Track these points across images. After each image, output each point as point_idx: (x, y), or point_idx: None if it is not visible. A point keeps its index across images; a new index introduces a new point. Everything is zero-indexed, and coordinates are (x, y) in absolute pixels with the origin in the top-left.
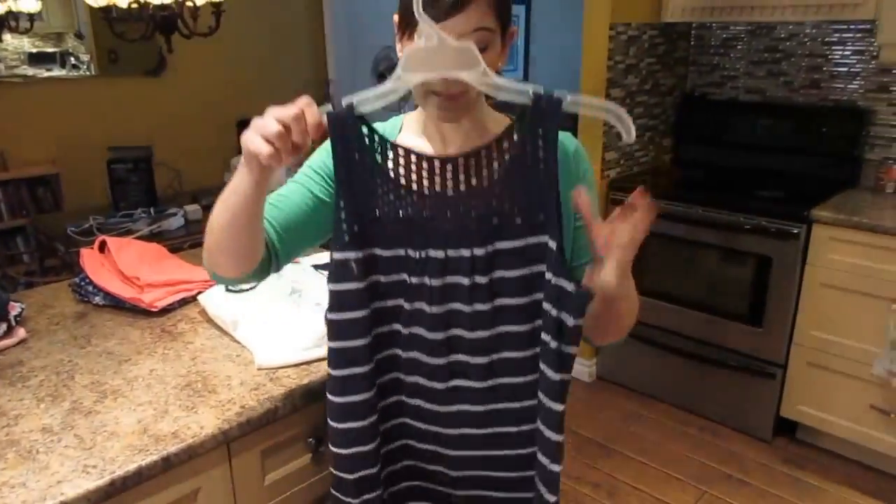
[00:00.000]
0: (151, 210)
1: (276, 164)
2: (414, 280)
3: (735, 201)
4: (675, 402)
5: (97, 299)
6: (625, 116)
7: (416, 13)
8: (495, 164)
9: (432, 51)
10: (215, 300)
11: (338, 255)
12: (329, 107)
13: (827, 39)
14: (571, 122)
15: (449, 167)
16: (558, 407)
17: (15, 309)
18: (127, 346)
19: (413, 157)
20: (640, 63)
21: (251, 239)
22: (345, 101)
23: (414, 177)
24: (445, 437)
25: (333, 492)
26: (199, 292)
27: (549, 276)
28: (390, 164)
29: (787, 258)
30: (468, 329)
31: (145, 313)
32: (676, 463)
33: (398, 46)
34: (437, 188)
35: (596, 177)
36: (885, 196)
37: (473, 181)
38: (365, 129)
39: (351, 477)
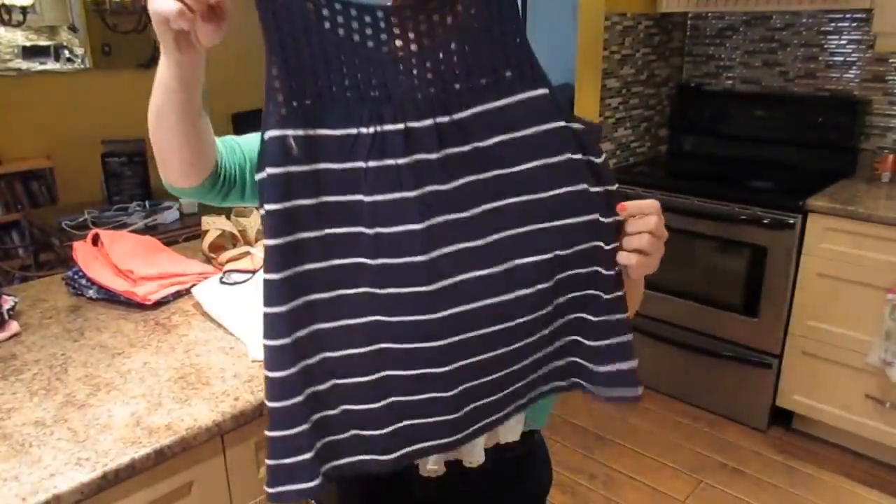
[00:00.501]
0: (146, 203)
1: (187, 25)
2: (372, 164)
3: (730, 192)
4: (670, 393)
5: (90, 293)
6: None
7: None
8: (449, 19)
9: None
10: (209, 293)
11: (272, 133)
12: None
13: (823, 29)
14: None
15: (394, 19)
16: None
17: (7, 303)
18: (120, 339)
19: (353, 11)
20: (635, 53)
21: (187, 141)
22: None
23: (356, 36)
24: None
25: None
26: (193, 285)
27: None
28: (327, 23)
29: (782, 248)
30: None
31: (139, 306)
32: (672, 453)
33: None
34: (385, 48)
35: None
36: (881, 185)
37: (426, 39)
38: None
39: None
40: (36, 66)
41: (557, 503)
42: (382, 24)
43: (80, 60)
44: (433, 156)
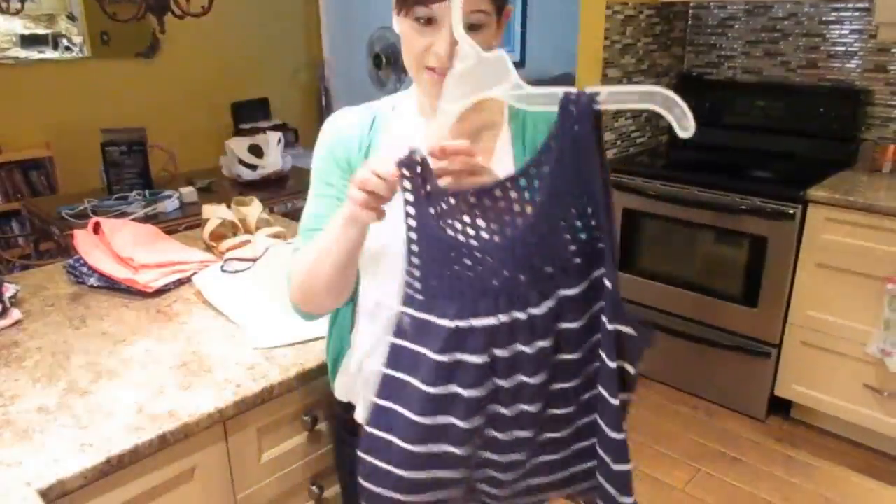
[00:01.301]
0: (146, 193)
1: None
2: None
3: (731, 182)
4: (669, 382)
5: (92, 281)
6: (678, 103)
7: (455, 31)
8: (536, 195)
9: (469, 70)
10: (210, 281)
11: (399, 308)
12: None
13: (825, 18)
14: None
15: (487, 202)
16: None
17: (9, 290)
18: (122, 326)
19: (451, 200)
20: (636, 43)
21: (351, 277)
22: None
23: (458, 225)
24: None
25: None
26: (194, 273)
27: (604, 319)
28: (431, 211)
29: (782, 238)
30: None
31: (140, 294)
32: (670, 441)
33: (395, 21)
34: (484, 235)
35: None
36: (882, 176)
37: (518, 221)
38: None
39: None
40: (34, 54)
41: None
42: (476, 211)
43: (78, 49)
44: (527, 349)
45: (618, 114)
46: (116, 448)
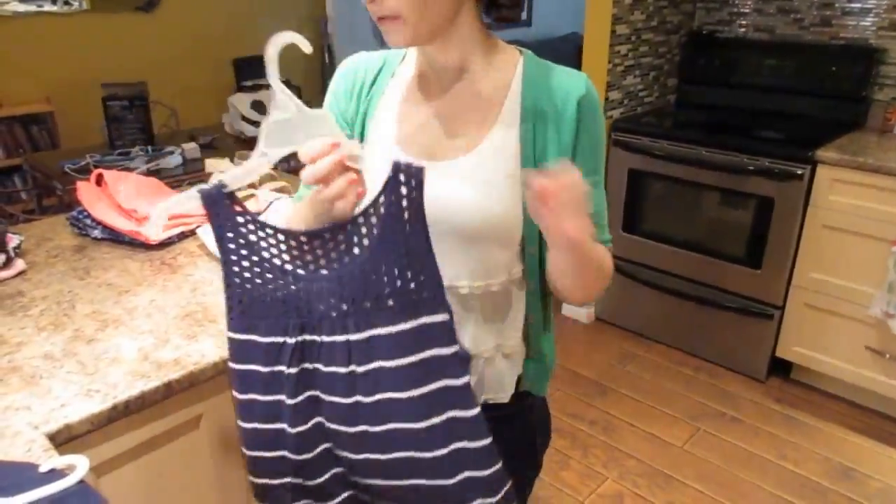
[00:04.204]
0: (149, 148)
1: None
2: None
3: (738, 142)
4: (671, 343)
5: (95, 233)
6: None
7: (270, 82)
8: (365, 240)
9: (291, 123)
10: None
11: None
12: (200, 186)
13: None
14: (576, 57)
15: (317, 243)
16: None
17: (13, 241)
18: (126, 277)
19: (280, 236)
20: None
21: None
22: (214, 180)
23: (286, 256)
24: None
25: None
26: (198, 226)
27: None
28: (262, 244)
29: (789, 200)
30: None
31: (144, 246)
32: (671, 401)
33: None
34: (311, 267)
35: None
36: (892, 137)
37: (345, 259)
38: (238, 209)
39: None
40: (33, 8)
41: (557, 447)
42: (305, 248)
43: (77, 3)
44: (342, 370)
45: (626, 72)
46: (122, 394)
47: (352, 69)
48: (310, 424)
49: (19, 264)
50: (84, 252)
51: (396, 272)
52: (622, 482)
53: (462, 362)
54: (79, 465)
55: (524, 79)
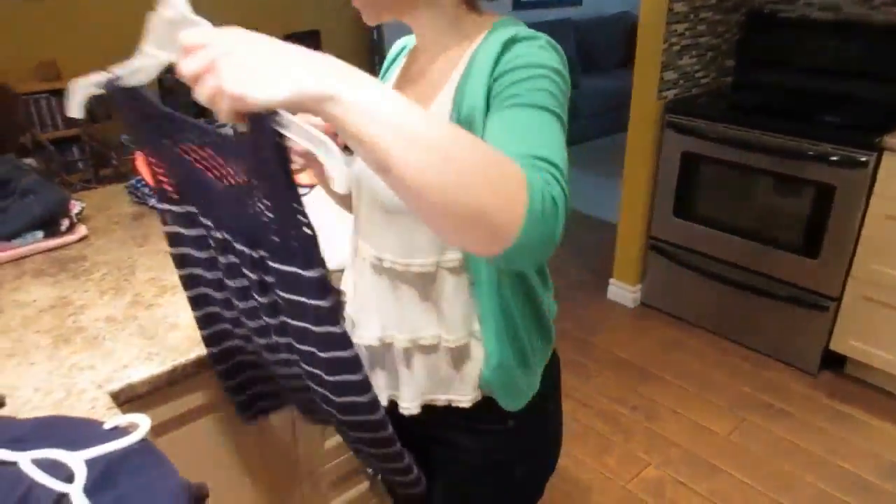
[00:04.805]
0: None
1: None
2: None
3: (799, 126)
4: (719, 332)
5: (153, 201)
6: (333, 154)
7: None
8: (241, 175)
9: (176, 25)
10: None
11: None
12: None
13: None
14: (628, 37)
15: (209, 153)
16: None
17: (76, 207)
18: None
19: (181, 135)
20: None
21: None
22: (115, 73)
23: (188, 158)
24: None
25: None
26: None
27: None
28: (167, 138)
29: (852, 188)
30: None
31: None
32: (717, 390)
33: None
34: (211, 177)
35: (645, 97)
36: None
37: (236, 178)
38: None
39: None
40: None
41: (599, 431)
42: (206, 157)
43: None
44: (253, 276)
45: (682, 51)
46: (182, 358)
47: (391, 51)
48: (249, 305)
49: (82, 230)
50: (142, 220)
51: (270, 214)
52: (664, 469)
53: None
54: (141, 423)
55: (472, 56)
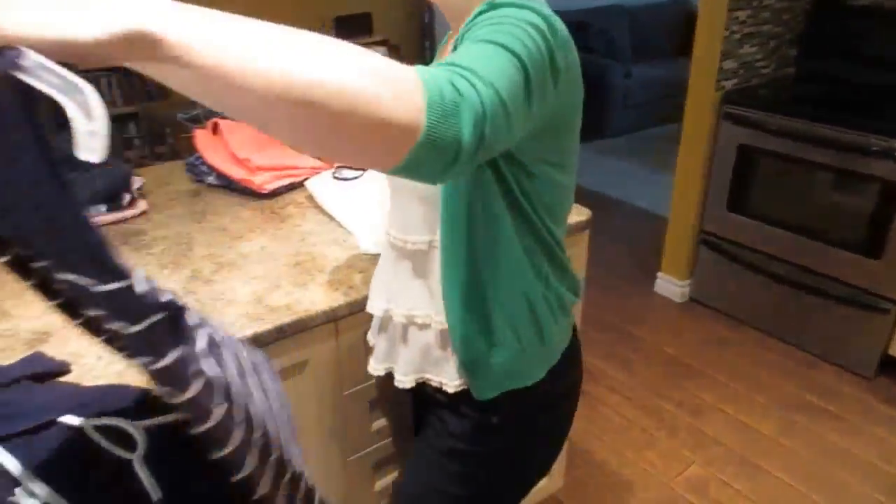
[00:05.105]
0: None
1: None
2: None
3: (864, 120)
4: (769, 330)
5: (210, 179)
6: (94, 114)
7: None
8: None
9: None
10: (322, 187)
11: None
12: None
13: None
14: (685, 23)
15: None
16: None
17: (136, 182)
18: (239, 224)
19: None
20: None
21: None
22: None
23: None
24: None
25: None
26: (306, 178)
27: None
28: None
29: None
30: None
31: (254, 195)
32: (765, 390)
33: None
34: None
35: (703, 86)
36: None
37: None
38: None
39: None
40: None
41: (643, 426)
42: None
43: None
44: None
45: (742, 40)
46: (238, 333)
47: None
48: None
49: (142, 204)
50: (199, 197)
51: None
52: (708, 467)
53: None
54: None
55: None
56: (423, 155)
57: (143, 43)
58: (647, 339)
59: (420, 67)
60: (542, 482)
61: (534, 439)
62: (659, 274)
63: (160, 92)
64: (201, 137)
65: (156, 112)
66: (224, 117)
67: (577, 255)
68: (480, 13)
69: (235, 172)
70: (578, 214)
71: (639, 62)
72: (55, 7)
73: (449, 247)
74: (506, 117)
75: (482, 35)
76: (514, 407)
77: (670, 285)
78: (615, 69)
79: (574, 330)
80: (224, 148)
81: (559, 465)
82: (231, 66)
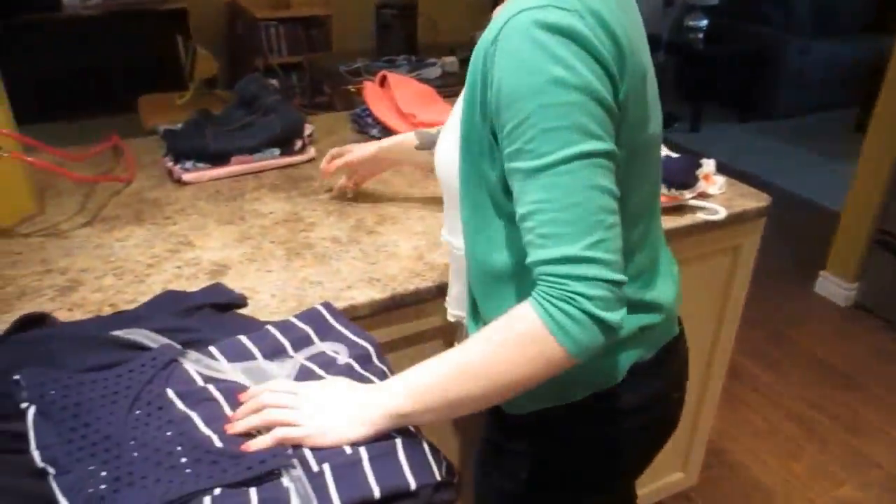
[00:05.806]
0: (412, 58)
1: None
2: None
3: None
4: None
5: (374, 132)
6: None
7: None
8: None
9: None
10: None
11: None
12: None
13: None
14: None
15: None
16: None
17: (308, 129)
18: (400, 178)
19: None
20: None
21: None
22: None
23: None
24: None
25: None
26: None
27: None
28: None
29: None
30: None
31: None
32: None
33: None
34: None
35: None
36: None
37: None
38: None
39: None
40: None
41: (788, 434)
42: None
43: None
44: None
45: None
46: (401, 287)
47: None
48: None
49: (311, 151)
50: None
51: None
52: (863, 491)
53: None
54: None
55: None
56: (589, 357)
57: (392, 423)
58: (801, 341)
59: (534, 302)
60: (676, 476)
61: (563, 464)
62: (822, 273)
63: (323, 44)
64: (370, 89)
65: (318, 63)
66: (374, 73)
67: (748, 246)
68: (489, 64)
69: (399, 127)
70: (757, 200)
71: (819, 37)
72: (324, 412)
73: (473, 265)
74: (615, 240)
75: (526, 162)
76: (542, 425)
77: (834, 286)
78: (790, 44)
79: (673, 341)
80: (390, 101)
81: (694, 462)
82: (447, 412)
